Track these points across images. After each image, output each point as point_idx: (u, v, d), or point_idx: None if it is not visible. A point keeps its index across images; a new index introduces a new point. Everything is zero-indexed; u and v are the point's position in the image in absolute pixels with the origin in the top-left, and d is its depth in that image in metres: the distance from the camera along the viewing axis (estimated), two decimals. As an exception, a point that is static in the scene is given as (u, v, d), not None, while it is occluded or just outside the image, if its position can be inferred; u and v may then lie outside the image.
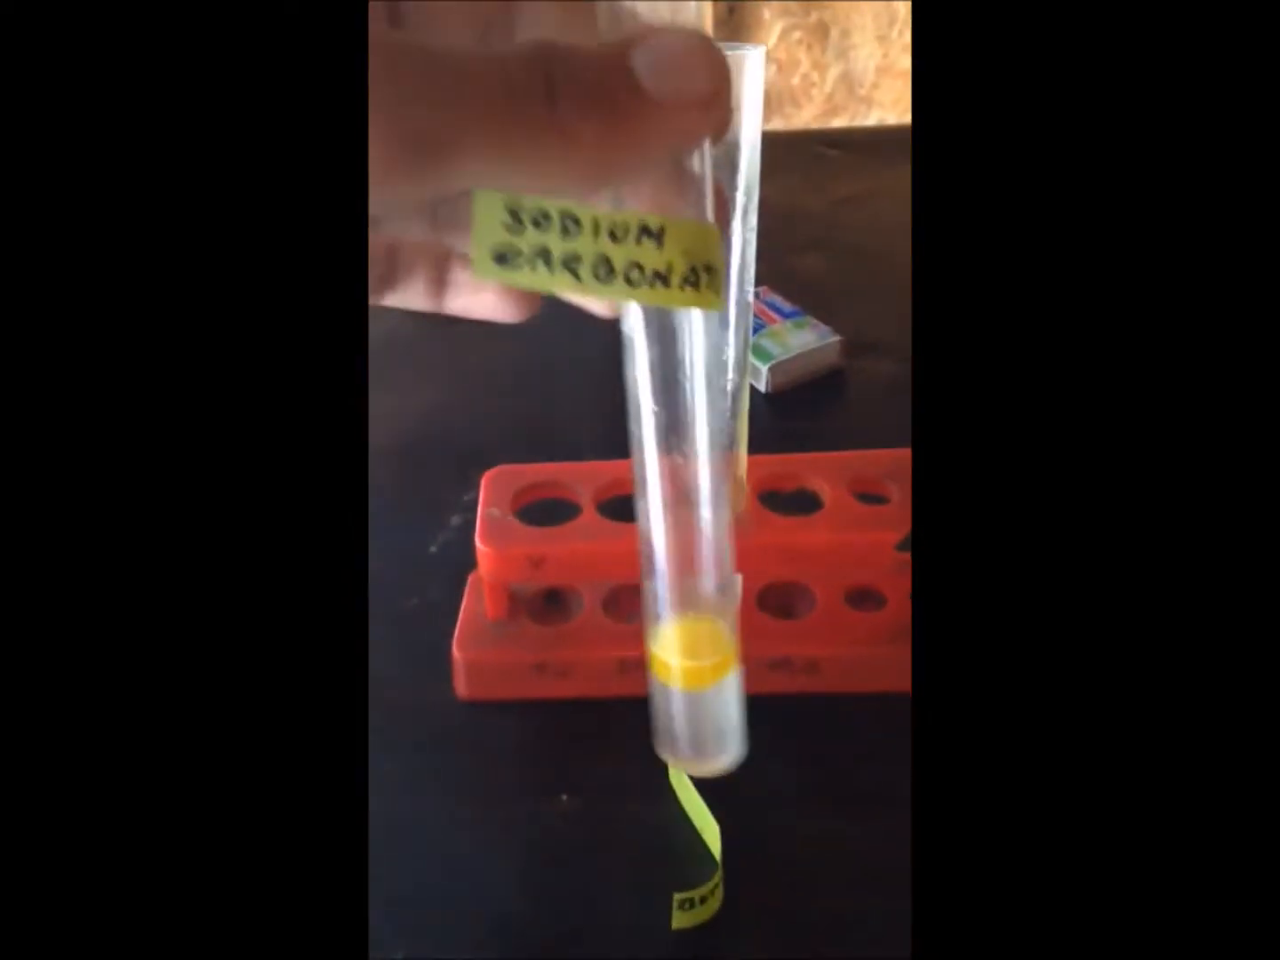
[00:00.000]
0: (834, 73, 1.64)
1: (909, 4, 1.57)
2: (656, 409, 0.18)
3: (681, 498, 0.19)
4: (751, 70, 0.27)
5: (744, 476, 0.33)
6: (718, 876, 0.27)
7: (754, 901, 0.28)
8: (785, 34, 1.60)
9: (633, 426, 0.19)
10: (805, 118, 1.33)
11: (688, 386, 0.18)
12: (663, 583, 0.20)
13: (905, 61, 1.61)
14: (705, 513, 0.19)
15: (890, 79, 1.62)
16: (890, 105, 1.35)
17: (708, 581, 0.20)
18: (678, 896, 0.27)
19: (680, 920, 0.27)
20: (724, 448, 0.30)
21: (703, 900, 0.27)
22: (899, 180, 0.59)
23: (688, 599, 0.21)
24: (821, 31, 1.61)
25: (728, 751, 0.23)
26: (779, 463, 0.34)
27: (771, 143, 0.29)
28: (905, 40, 1.59)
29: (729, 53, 0.26)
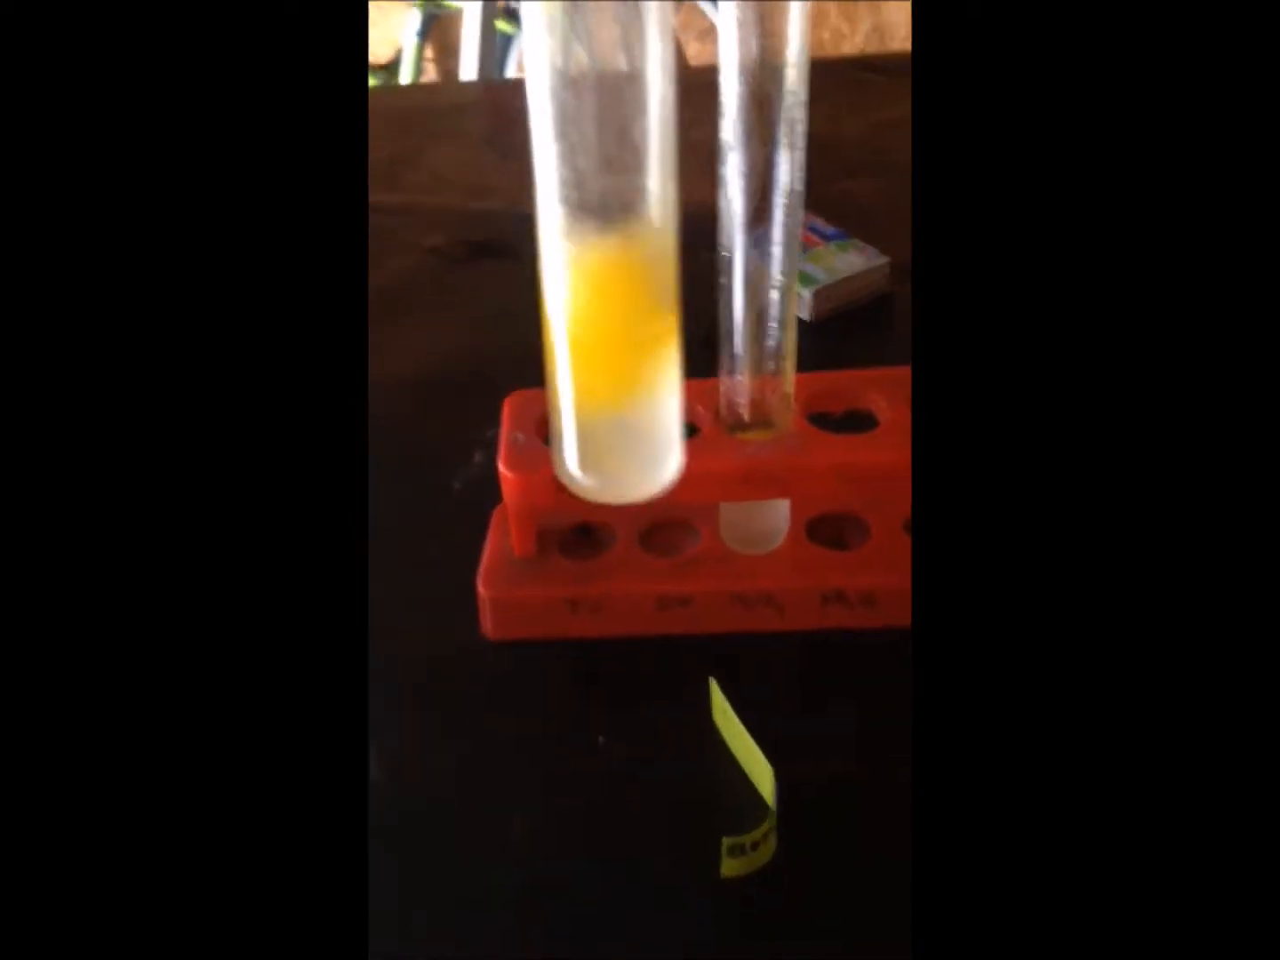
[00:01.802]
0: (865, 25, 1.59)
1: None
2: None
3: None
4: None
5: (791, 393, 0.30)
6: (771, 821, 0.25)
7: (809, 850, 0.25)
8: (816, -16, 1.55)
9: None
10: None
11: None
12: None
13: (940, 9, 1.55)
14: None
15: (924, 28, 1.57)
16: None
17: None
18: (727, 841, 0.24)
19: (730, 867, 0.24)
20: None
21: (754, 847, 0.24)
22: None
23: None
24: (852, -19, 1.56)
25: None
26: (829, 380, 0.32)
27: (810, 69, 0.26)
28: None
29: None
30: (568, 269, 0.21)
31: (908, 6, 1.55)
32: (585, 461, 0.23)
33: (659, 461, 0.23)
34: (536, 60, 0.20)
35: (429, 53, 1.42)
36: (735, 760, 0.27)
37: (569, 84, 0.20)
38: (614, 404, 0.22)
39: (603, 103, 0.20)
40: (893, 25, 1.58)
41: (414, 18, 1.33)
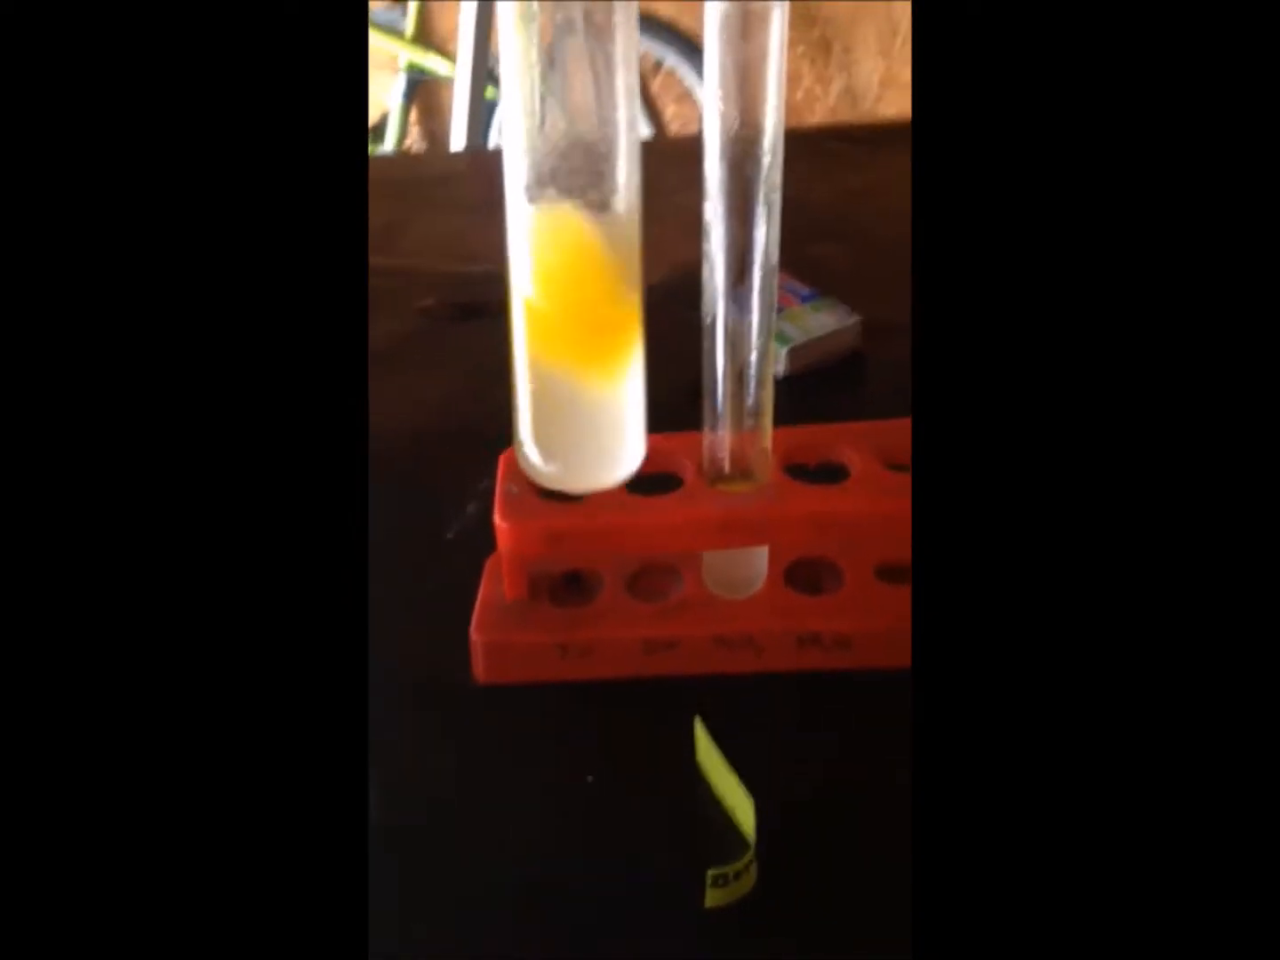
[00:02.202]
0: (837, 86, 1.65)
1: (909, 20, 1.58)
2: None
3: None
4: (776, 24, 0.27)
5: (769, 447, 0.32)
6: (750, 853, 0.26)
7: (788, 881, 0.27)
8: (788, 49, 1.61)
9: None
10: (811, 128, 1.33)
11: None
12: None
13: (908, 74, 1.61)
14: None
15: (893, 91, 1.63)
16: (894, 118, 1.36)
17: None
18: (711, 872, 0.25)
19: (714, 897, 0.26)
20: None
21: (736, 876, 0.26)
22: (905, 173, 0.59)
23: None
24: (824, 46, 1.62)
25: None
26: (804, 434, 0.34)
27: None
28: (908, 53, 1.60)
29: (748, 4, 0.26)
30: (530, 234, 0.22)
31: (878, 70, 1.62)
32: (545, 448, 0.23)
33: (619, 450, 0.23)
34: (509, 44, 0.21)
35: (414, 116, 1.46)
36: (718, 796, 0.29)
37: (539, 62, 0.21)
38: (573, 387, 0.22)
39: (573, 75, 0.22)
40: (864, 87, 1.64)
41: (399, 82, 1.36)
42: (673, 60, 1.33)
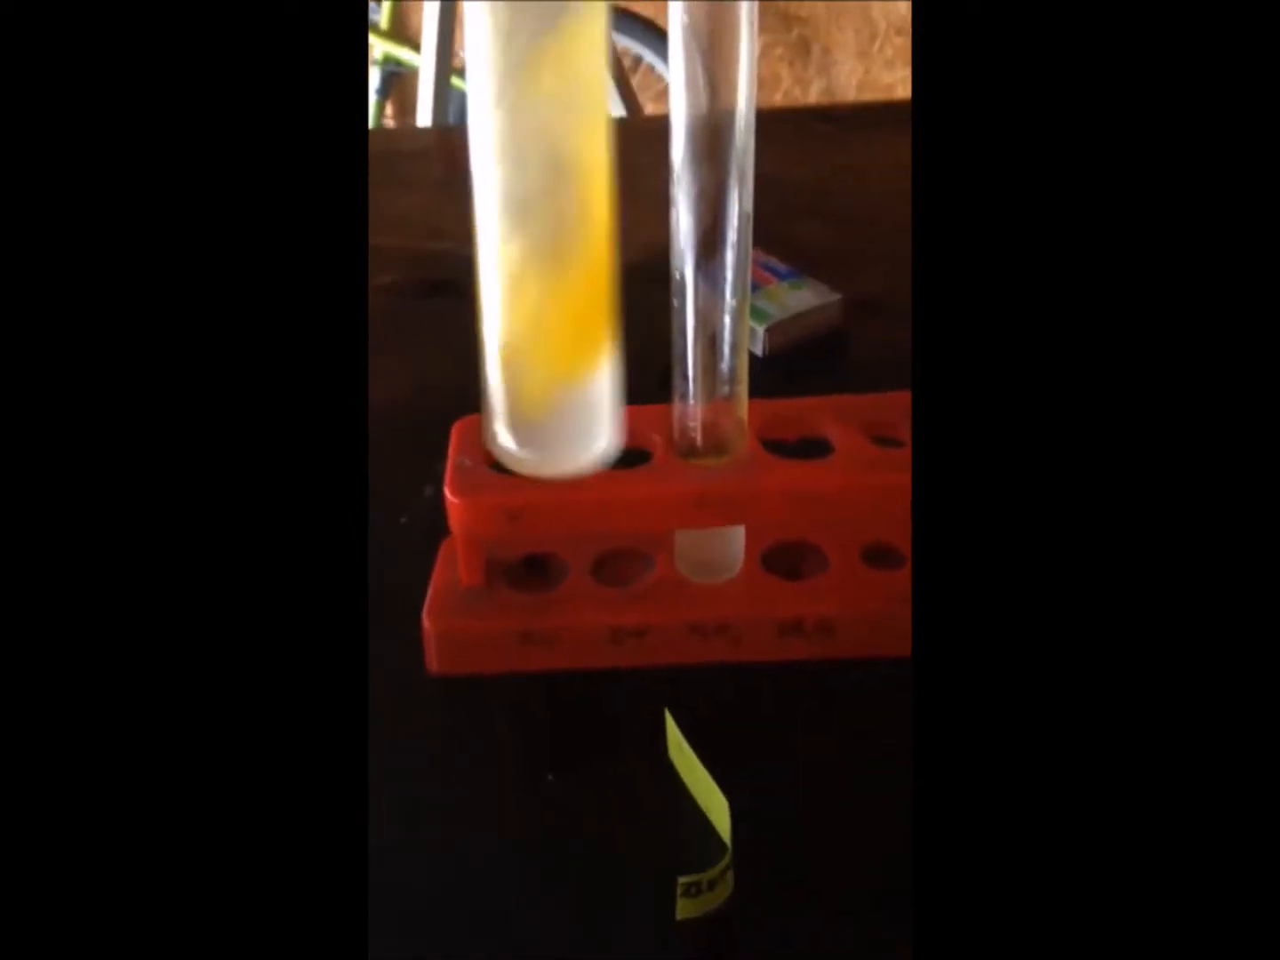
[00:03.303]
0: (816, 88, 1.64)
1: (888, 21, 1.57)
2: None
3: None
4: (744, 20, 0.24)
5: (744, 418, 0.30)
6: (727, 859, 0.24)
7: (768, 887, 0.24)
8: (767, 50, 1.59)
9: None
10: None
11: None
12: None
13: (887, 77, 1.61)
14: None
15: (872, 94, 1.62)
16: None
17: None
18: (682, 881, 0.23)
19: (686, 909, 0.23)
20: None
21: (710, 885, 0.23)
22: (888, 152, 0.57)
23: None
24: (803, 48, 1.60)
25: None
26: (783, 406, 0.31)
27: (763, 118, 0.27)
28: (886, 55, 1.59)
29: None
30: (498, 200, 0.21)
31: (856, 73, 1.61)
32: (517, 431, 0.23)
33: (593, 433, 0.22)
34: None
35: (389, 110, 1.44)
36: (691, 796, 0.26)
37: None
38: (547, 365, 0.22)
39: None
40: (843, 88, 1.63)
41: (374, 76, 1.34)
42: (651, 57, 1.31)
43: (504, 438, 0.23)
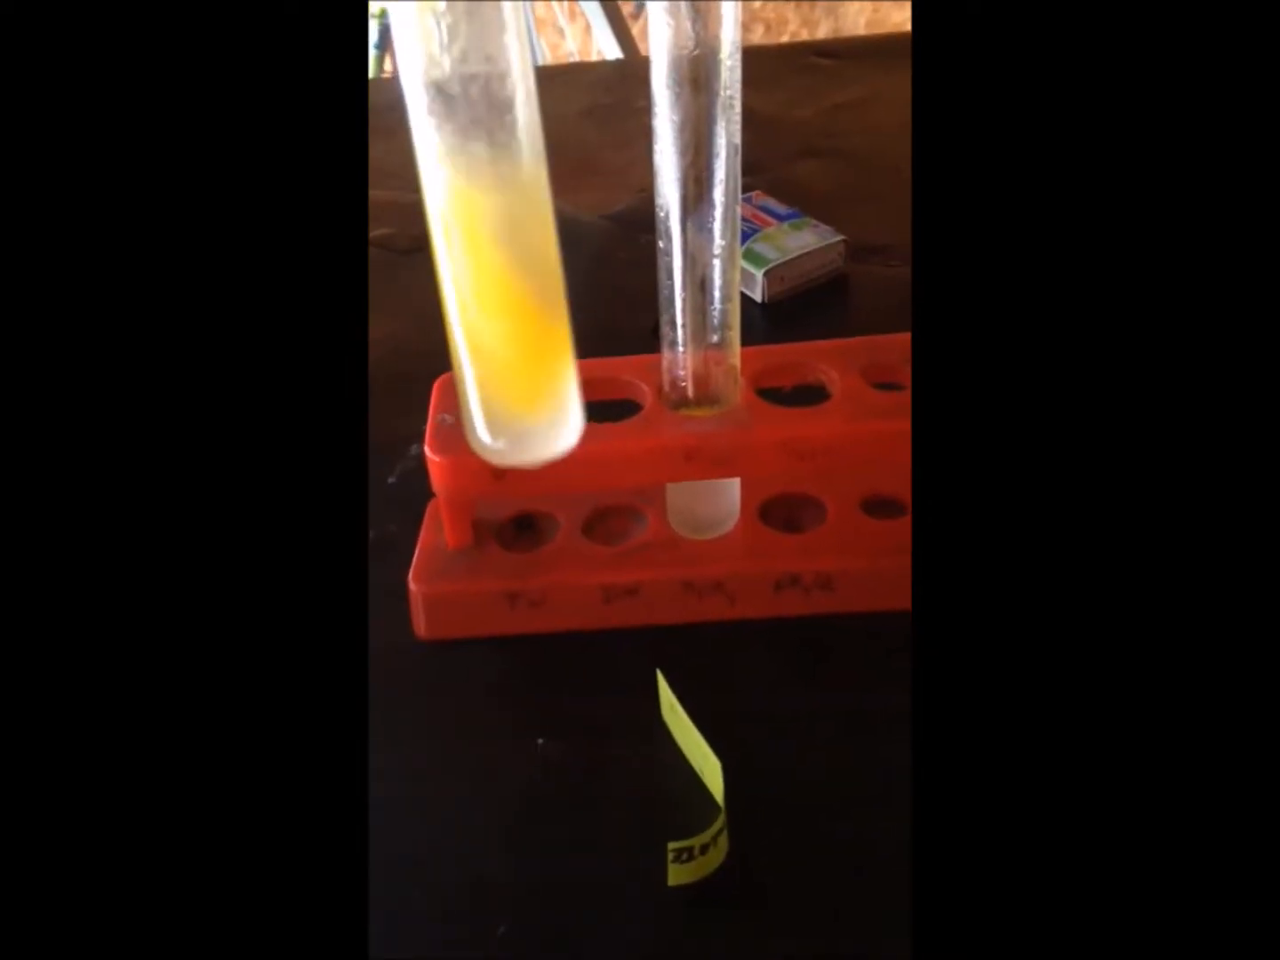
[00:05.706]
0: (824, 29, 1.60)
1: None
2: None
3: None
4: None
5: (737, 366, 0.28)
6: (720, 822, 0.23)
7: (761, 855, 0.23)
8: (773, -8, 1.55)
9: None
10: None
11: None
12: None
13: (896, 16, 1.56)
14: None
15: (882, 34, 1.57)
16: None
17: None
18: (672, 847, 0.22)
19: (677, 875, 0.22)
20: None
21: (703, 850, 0.22)
22: (893, 86, 0.54)
23: None
24: (811, -13, 1.56)
25: None
26: (779, 352, 0.30)
27: (762, 55, 0.25)
28: (896, -8, 1.54)
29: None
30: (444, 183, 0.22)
31: (864, 12, 1.56)
32: (490, 422, 0.23)
33: (560, 420, 0.22)
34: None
35: (387, 64, 1.41)
36: (684, 758, 0.25)
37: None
38: (505, 358, 0.22)
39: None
40: (851, 28, 1.58)
41: (372, 30, 1.31)
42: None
43: (479, 429, 0.23)
